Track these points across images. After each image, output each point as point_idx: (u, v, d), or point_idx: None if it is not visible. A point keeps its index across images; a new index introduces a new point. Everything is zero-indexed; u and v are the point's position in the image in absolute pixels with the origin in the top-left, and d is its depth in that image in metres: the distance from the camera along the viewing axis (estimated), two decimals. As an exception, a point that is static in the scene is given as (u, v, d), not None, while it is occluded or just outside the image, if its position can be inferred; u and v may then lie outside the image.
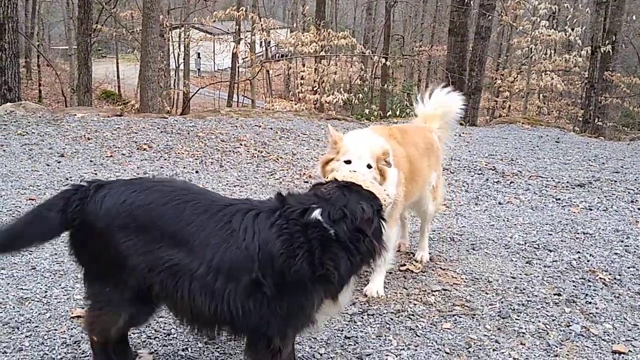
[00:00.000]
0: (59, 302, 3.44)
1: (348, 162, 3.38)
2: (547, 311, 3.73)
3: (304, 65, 21.84)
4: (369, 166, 3.38)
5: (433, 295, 3.87)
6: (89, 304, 2.65)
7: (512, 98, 23.71)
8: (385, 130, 3.98)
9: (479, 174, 7.17)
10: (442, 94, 4.52)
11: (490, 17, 16.70)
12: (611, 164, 8.24)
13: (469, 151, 8.56)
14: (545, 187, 6.77)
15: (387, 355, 3.12)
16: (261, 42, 22.02)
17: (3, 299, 3.41)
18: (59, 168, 6.23)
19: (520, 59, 21.16)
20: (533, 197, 6.35)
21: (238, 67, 23.37)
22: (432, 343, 3.27)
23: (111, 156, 6.86)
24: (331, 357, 3.07)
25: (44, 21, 35.20)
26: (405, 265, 4.31)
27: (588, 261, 4.55)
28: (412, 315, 3.58)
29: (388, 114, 17.54)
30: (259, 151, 7.85)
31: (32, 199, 5.18)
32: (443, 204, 5.29)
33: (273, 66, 22.89)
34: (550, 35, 16.56)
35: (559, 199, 6.28)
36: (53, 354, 2.91)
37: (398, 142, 3.85)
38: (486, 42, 17.38)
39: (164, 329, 3.21)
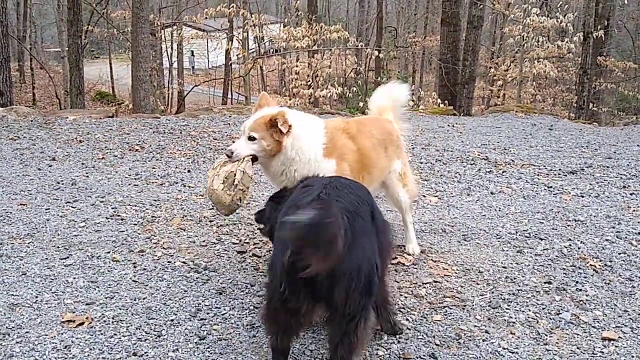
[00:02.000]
0: (49, 307, 3.45)
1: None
2: (537, 300, 3.75)
3: (297, 60, 21.80)
4: (251, 138, 3.61)
5: (424, 287, 3.89)
6: None
7: (506, 86, 23.68)
8: (341, 123, 4.05)
9: (471, 164, 7.17)
10: (389, 87, 4.58)
11: (482, 6, 16.68)
12: (604, 150, 8.25)
13: (462, 141, 8.56)
14: (538, 175, 6.77)
15: (377, 349, 3.14)
16: (254, 38, 21.94)
17: (-7, 305, 3.42)
18: (50, 172, 6.22)
19: (513, 47, 21.10)
20: (525, 185, 6.36)
21: (231, 64, 23.32)
22: (422, 335, 3.28)
23: (103, 158, 6.86)
24: (321, 353, 3.08)
25: (36, 24, 35.08)
26: (396, 258, 4.32)
27: (579, 248, 4.56)
28: (403, 308, 3.59)
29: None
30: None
31: (23, 204, 5.19)
32: (420, 193, 5.33)
33: (266, 62, 22.84)
34: (542, 23, 16.49)
35: (551, 187, 6.29)
36: (43, 359, 2.92)
37: (351, 135, 3.92)
38: (479, 31, 17.35)
39: (154, 331, 3.22)
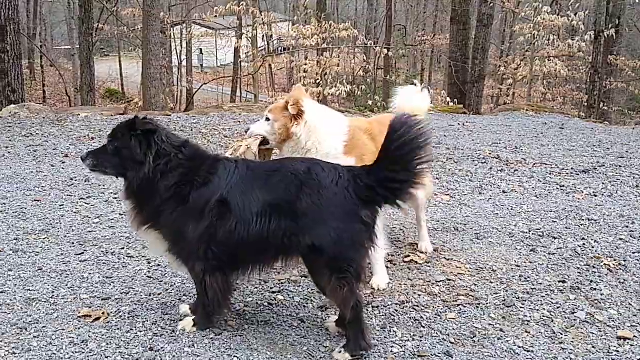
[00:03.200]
0: (65, 302, 3.48)
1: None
2: (551, 299, 3.74)
3: (306, 59, 21.78)
4: (267, 119, 3.80)
5: (437, 285, 3.88)
6: None
7: (516, 85, 23.58)
8: (364, 123, 4.09)
9: (482, 163, 7.15)
10: (418, 91, 4.59)
11: (492, 5, 16.61)
12: (616, 149, 8.20)
13: (473, 140, 8.54)
14: (550, 174, 6.75)
15: (392, 347, 3.14)
16: (263, 36, 21.96)
17: (11, 300, 3.45)
18: (63, 168, 6.26)
19: (524, 45, 21.01)
20: (537, 184, 6.34)
21: (240, 62, 23.34)
22: (436, 333, 3.28)
23: (115, 155, 6.89)
24: (335, 349, 3.08)
25: (46, 22, 35.26)
26: (409, 256, 4.32)
27: (593, 247, 4.55)
28: (417, 306, 3.59)
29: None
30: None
31: (38, 200, 5.23)
32: (433, 191, 5.33)
33: (275, 60, 22.81)
34: (553, 21, 16.42)
35: (564, 186, 6.27)
36: (61, 353, 2.94)
37: (372, 136, 3.93)
38: (489, 30, 17.29)
39: (170, 326, 3.24)
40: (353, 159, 3.72)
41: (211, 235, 2.99)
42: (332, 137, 3.75)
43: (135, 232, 3.25)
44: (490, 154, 7.60)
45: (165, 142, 3.05)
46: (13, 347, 2.97)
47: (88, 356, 2.92)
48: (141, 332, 3.17)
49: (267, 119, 3.79)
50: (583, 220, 5.18)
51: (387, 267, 3.97)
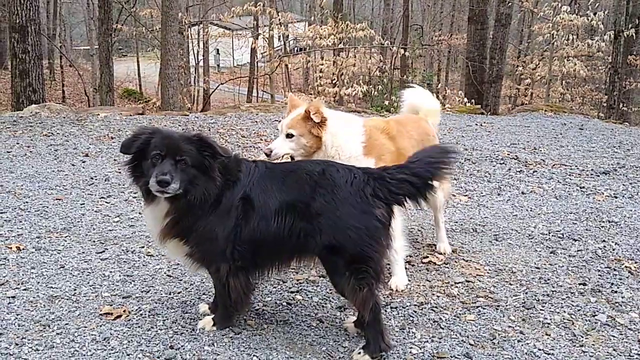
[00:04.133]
0: (87, 299, 3.52)
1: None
2: (572, 301, 3.71)
3: (322, 59, 21.80)
4: (289, 135, 3.69)
5: (456, 287, 3.87)
6: None
7: (534, 85, 23.39)
8: (381, 123, 4.09)
9: (501, 164, 7.11)
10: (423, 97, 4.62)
11: (510, 4, 16.50)
12: (636, 150, 8.11)
13: (491, 140, 8.49)
14: (569, 175, 6.69)
15: (410, 348, 3.14)
16: (279, 36, 22.02)
17: (34, 297, 3.50)
18: (83, 168, 6.34)
19: (542, 45, 20.85)
20: (557, 185, 6.28)
21: (257, 62, 23.42)
22: (456, 335, 3.27)
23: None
24: (354, 350, 3.08)
25: (66, 22, 35.64)
26: (427, 257, 4.31)
27: (613, 250, 4.50)
28: (436, 307, 3.58)
29: (408, 104, 17.38)
30: (279, 146, 7.87)
31: (59, 199, 5.29)
32: (451, 192, 5.32)
33: (292, 60, 22.86)
34: (572, 21, 16.27)
35: (583, 187, 6.21)
36: (83, 350, 2.98)
37: (390, 135, 3.94)
38: (507, 30, 17.18)
39: (190, 325, 3.26)
40: (372, 159, 3.73)
41: (236, 234, 3.00)
42: (351, 140, 3.76)
43: (158, 243, 3.16)
44: (508, 154, 7.55)
45: (226, 157, 3.01)
46: (36, 344, 3.01)
47: (110, 353, 2.95)
48: (161, 330, 3.20)
49: (289, 135, 3.68)
50: (603, 222, 5.13)
51: (406, 268, 3.96)
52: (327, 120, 3.69)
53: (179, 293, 3.67)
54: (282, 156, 3.67)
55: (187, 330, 3.21)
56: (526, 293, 3.79)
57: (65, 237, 4.47)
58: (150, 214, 3.08)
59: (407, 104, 4.60)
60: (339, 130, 3.71)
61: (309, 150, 3.69)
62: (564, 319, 3.50)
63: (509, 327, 3.38)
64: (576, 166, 7.09)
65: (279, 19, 17.03)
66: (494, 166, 7.02)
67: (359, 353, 3.01)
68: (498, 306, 3.61)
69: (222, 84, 22.09)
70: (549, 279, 4.00)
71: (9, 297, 3.47)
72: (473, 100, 14.94)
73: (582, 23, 16.75)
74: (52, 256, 4.09)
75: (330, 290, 3.74)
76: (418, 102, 4.59)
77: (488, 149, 7.84)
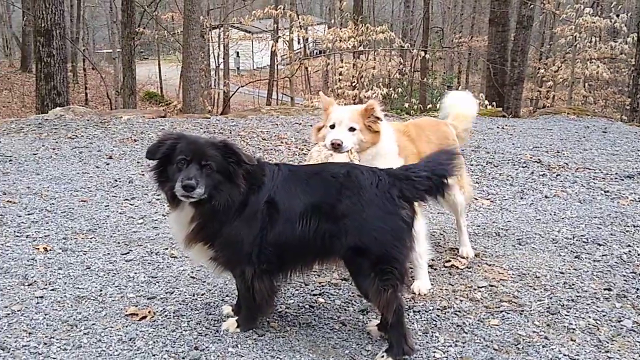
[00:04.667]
0: (113, 300, 3.57)
1: (333, 126, 3.69)
2: (597, 306, 3.67)
3: (342, 61, 21.82)
4: (352, 129, 3.64)
5: (479, 291, 3.85)
6: None
7: (555, 88, 23.15)
8: (401, 126, 4.13)
9: (523, 167, 7.05)
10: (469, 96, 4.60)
11: (532, 6, 16.37)
12: (662, 154, 7.98)
13: (513, 144, 8.42)
14: (593, 179, 6.61)
15: (434, 352, 3.13)
16: (299, 39, 22.10)
17: (61, 297, 3.56)
18: (107, 170, 6.42)
19: (564, 47, 20.64)
20: (581, 189, 6.21)
21: (277, 65, 23.52)
22: (479, 340, 3.26)
23: (157, 157, 7.02)
24: (377, 353, 3.09)
25: (88, 26, 36.15)
26: (450, 261, 4.30)
27: (639, 255, 4.44)
28: (459, 311, 3.57)
29: (428, 107, 17.36)
30: (299, 148, 7.91)
31: (84, 201, 5.38)
32: (473, 195, 5.29)
33: (311, 63, 22.92)
34: (594, 23, 16.10)
35: (608, 192, 6.13)
36: (110, 350, 3.02)
37: (411, 138, 3.98)
38: (528, 32, 17.05)
39: (214, 326, 3.29)
40: (403, 159, 3.75)
41: (262, 238, 3.02)
42: (391, 139, 3.79)
43: (183, 247, 3.18)
44: (531, 157, 7.48)
45: (250, 165, 3.02)
46: (64, 344, 3.06)
47: (136, 354, 2.99)
48: (186, 331, 3.23)
49: (352, 129, 3.66)
50: (628, 226, 5.06)
51: (428, 272, 3.95)
52: (380, 120, 3.72)
53: (202, 295, 3.70)
54: (349, 150, 3.65)
55: (211, 332, 3.24)
56: (550, 298, 3.76)
57: (91, 238, 4.54)
58: (175, 219, 3.11)
59: (443, 106, 4.62)
60: (383, 129, 3.74)
61: (364, 146, 3.70)
62: (589, 324, 3.46)
63: (534, 332, 3.35)
64: (600, 170, 7.00)
65: (300, 22, 17.08)
66: (516, 169, 6.97)
67: (382, 356, 3.02)
68: (522, 311, 3.58)
69: (242, 86, 22.23)
70: (573, 284, 3.96)
71: (37, 297, 3.53)
72: (494, 103, 14.83)
73: (604, 25, 16.56)
74: (78, 257, 4.16)
75: (352, 293, 3.75)
76: (450, 105, 4.58)
77: (510, 152, 7.78)
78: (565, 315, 3.56)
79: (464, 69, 32.61)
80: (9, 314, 3.33)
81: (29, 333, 3.15)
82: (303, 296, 3.74)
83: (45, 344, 3.05)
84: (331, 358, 3.07)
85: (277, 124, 9.32)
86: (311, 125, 9.22)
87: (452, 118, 4.52)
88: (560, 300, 3.73)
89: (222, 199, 2.95)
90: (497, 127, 9.81)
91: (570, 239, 4.77)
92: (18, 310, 3.37)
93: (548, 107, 18.97)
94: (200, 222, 3.02)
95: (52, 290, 3.65)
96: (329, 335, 3.28)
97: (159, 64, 31.87)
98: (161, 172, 3.02)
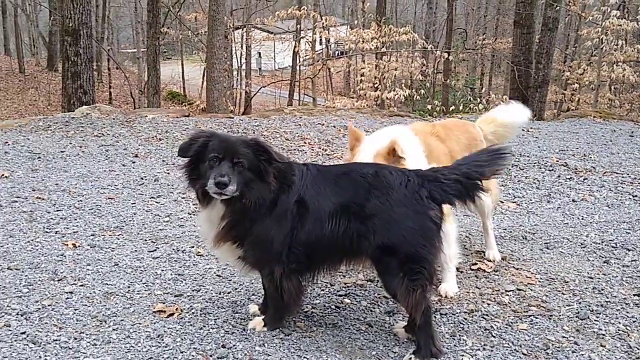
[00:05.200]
0: (141, 297, 3.60)
1: None
2: (627, 312, 3.61)
3: (364, 62, 21.79)
4: None
5: (507, 295, 3.81)
6: None
7: (580, 91, 22.84)
8: (428, 126, 4.11)
9: (550, 170, 6.97)
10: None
11: (557, 8, 16.16)
12: (692, 159, 7.83)
13: (538, 147, 8.33)
14: (621, 183, 6.51)
15: (462, 355, 3.10)
16: (321, 39, 22.12)
17: (90, 293, 3.60)
18: (134, 168, 6.49)
19: (590, 50, 20.37)
20: (608, 194, 6.12)
21: (299, 66, 23.56)
22: (508, 344, 3.22)
23: (182, 156, 7.07)
24: (404, 355, 3.07)
25: (113, 26, 36.60)
26: (476, 264, 4.26)
27: (670, 261, 4.36)
28: (487, 315, 3.53)
29: (451, 109, 17.27)
30: (322, 149, 7.91)
31: (111, 198, 5.44)
32: (499, 198, 5.24)
33: (334, 63, 22.93)
34: (621, 25, 15.86)
35: (636, 196, 6.03)
36: (138, 347, 3.05)
37: (440, 138, 3.95)
38: (553, 34, 16.83)
39: (240, 325, 3.30)
40: (434, 164, 3.69)
41: (292, 237, 3.02)
42: (418, 156, 3.72)
43: (212, 246, 3.19)
44: (557, 161, 7.39)
45: (282, 162, 3.04)
46: (94, 339, 3.10)
47: (164, 350, 3.02)
48: (213, 329, 3.25)
49: None
50: (658, 232, 4.97)
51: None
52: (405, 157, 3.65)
53: (228, 293, 3.72)
54: None
55: (238, 330, 3.25)
56: (580, 303, 3.71)
57: (118, 235, 4.58)
58: (205, 217, 3.12)
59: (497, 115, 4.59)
60: (409, 153, 3.66)
61: None
62: (619, 330, 3.41)
63: (563, 337, 3.31)
64: (628, 174, 6.89)
65: (322, 23, 17.10)
66: (542, 173, 6.89)
67: (410, 358, 3.00)
68: (551, 316, 3.53)
69: (264, 86, 22.35)
70: (602, 289, 3.91)
71: (67, 293, 3.58)
72: (518, 105, 14.66)
73: (631, 28, 16.30)
74: (106, 253, 4.21)
75: (378, 294, 3.74)
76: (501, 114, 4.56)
77: (536, 155, 7.69)
78: (595, 320, 3.50)
79: (487, 71, 32.35)
80: (39, 309, 3.37)
81: (60, 328, 3.19)
82: (329, 297, 3.74)
83: (75, 338, 3.09)
84: (358, 359, 3.06)
85: (300, 125, 9.33)
86: (334, 126, 9.25)
87: (480, 120, 4.51)
88: (590, 306, 3.67)
89: (253, 196, 2.95)
90: (522, 130, 9.70)
91: (599, 243, 4.70)
92: (49, 305, 3.42)
93: (573, 110, 18.74)
94: (230, 220, 3.03)
95: (82, 285, 3.70)
96: (356, 336, 3.27)
97: (182, 64, 32.15)
98: (192, 170, 3.03)
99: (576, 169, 7.05)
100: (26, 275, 3.77)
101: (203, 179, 2.95)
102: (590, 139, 9.14)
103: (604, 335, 3.36)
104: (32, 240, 4.36)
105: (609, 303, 3.73)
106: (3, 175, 5.85)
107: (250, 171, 2.94)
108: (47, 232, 4.54)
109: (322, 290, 3.81)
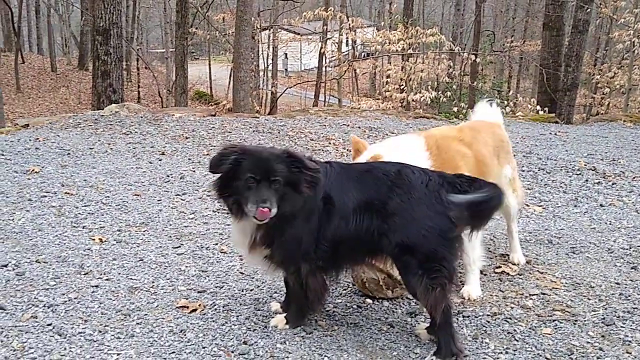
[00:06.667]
0: (165, 292, 3.65)
1: None
2: (655, 320, 3.53)
3: (390, 64, 21.73)
4: None
5: (531, 299, 3.76)
6: None
7: (611, 95, 22.45)
8: (452, 131, 4.05)
9: (577, 175, 6.87)
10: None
11: (589, 10, 15.90)
12: None
13: (566, 150, 8.21)
14: (651, 189, 6.38)
15: (484, 358, 3.07)
16: (347, 41, 22.13)
17: (115, 287, 3.66)
18: (160, 166, 6.57)
19: (621, 53, 20.01)
20: (638, 199, 6.00)
21: (325, 67, 23.59)
22: (531, 348, 3.18)
23: (208, 154, 7.15)
24: (425, 357, 3.05)
25: (143, 26, 37.10)
26: (500, 267, 4.22)
27: (701, 268, 4.26)
28: (510, 318, 3.50)
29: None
30: (347, 150, 7.91)
31: (138, 195, 5.51)
32: (525, 201, 5.18)
33: (360, 65, 22.90)
34: (654, 28, 15.56)
35: (667, 202, 5.91)
36: (162, 341, 3.09)
37: (465, 142, 3.88)
38: (584, 36, 16.54)
39: (262, 322, 3.32)
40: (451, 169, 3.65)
41: (319, 234, 3.03)
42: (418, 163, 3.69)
43: (246, 254, 3.20)
44: (585, 165, 7.28)
45: (315, 171, 3.00)
46: (118, 332, 3.14)
47: (187, 345, 3.05)
48: (235, 325, 3.27)
49: None
50: (689, 239, 4.86)
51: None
52: None
53: (251, 290, 3.74)
54: None
55: (259, 327, 3.27)
56: (606, 309, 3.64)
57: (144, 231, 4.65)
58: (240, 228, 3.10)
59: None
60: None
61: None
62: (646, 337, 3.34)
63: (588, 342, 3.26)
64: (659, 179, 6.75)
65: (349, 24, 17.10)
66: (569, 177, 6.79)
67: (431, 359, 2.99)
68: (576, 321, 3.48)
69: (290, 87, 22.41)
70: (629, 296, 3.83)
71: (92, 286, 3.64)
72: (546, 109, 14.49)
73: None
74: (131, 249, 4.27)
75: (400, 295, 3.72)
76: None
77: (563, 159, 7.58)
78: (621, 327, 3.44)
79: (514, 73, 31.98)
80: (66, 301, 3.44)
81: (85, 320, 3.25)
82: (350, 296, 3.74)
83: (100, 331, 3.14)
84: (379, 359, 3.05)
85: (324, 125, 9.35)
86: (359, 127, 9.25)
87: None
88: (616, 312, 3.60)
89: (289, 208, 2.95)
90: (550, 133, 9.59)
91: (627, 249, 4.61)
92: (75, 298, 3.48)
93: (602, 114, 18.42)
94: (266, 231, 3.03)
95: (107, 280, 3.76)
96: (377, 336, 3.27)
97: (209, 64, 32.44)
98: (225, 187, 2.99)
99: (604, 173, 6.93)
100: (53, 269, 3.85)
101: (237, 195, 2.93)
102: (619, 143, 8.98)
103: (630, 342, 3.29)
104: (60, 234, 4.44)
105: (636, 310, 3.65)
106: (33, 170, 5.98)
107: (287, 186, 2.93)
108: (74, 226, 4.63)
109: (344, 289, 3.81)
